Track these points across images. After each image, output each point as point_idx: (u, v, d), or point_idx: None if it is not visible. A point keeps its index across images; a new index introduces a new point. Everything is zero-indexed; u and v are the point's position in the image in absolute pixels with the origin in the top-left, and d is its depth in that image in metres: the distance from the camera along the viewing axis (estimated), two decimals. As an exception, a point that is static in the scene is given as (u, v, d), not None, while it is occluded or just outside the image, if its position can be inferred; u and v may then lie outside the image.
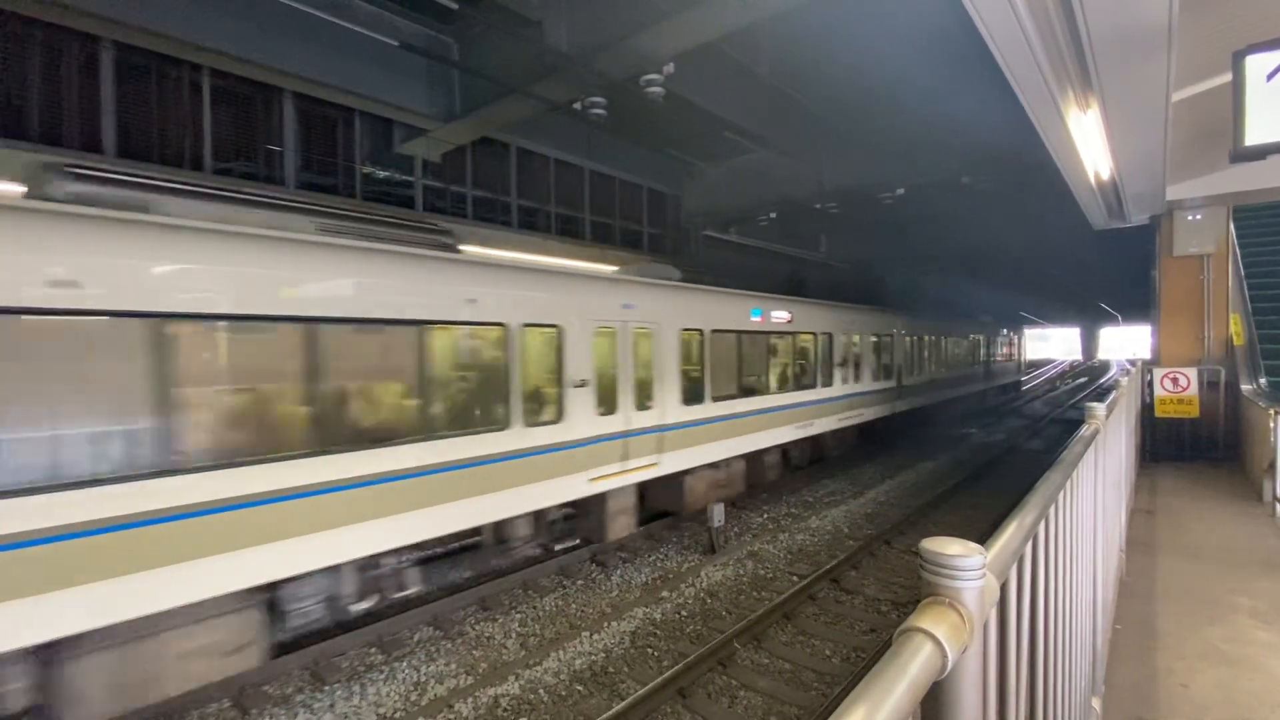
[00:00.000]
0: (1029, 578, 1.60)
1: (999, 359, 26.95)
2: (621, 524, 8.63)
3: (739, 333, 10.67)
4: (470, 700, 5.41)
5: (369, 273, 5.75)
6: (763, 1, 7.46)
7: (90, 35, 8.63)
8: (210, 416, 4.83)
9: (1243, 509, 7.33)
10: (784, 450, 12.48)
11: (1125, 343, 57.73)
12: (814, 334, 12.98)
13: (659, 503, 9.82)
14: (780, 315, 11.87)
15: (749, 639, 6.41)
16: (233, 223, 5.10)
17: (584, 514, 8.55)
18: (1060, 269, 27.02)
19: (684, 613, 7.09)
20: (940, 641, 0.94)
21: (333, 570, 5.67)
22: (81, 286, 4.19)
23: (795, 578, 8.02)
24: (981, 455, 16.09)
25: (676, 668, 5.64)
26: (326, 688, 5.66)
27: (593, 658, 6.13)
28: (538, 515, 7.69)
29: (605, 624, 6.77)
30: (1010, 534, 1.41)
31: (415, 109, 11.43)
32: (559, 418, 7.51)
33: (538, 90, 9.73)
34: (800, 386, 12.41)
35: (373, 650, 6.32)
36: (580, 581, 7.97)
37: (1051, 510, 1.84)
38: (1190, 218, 10.81)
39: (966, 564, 1.05)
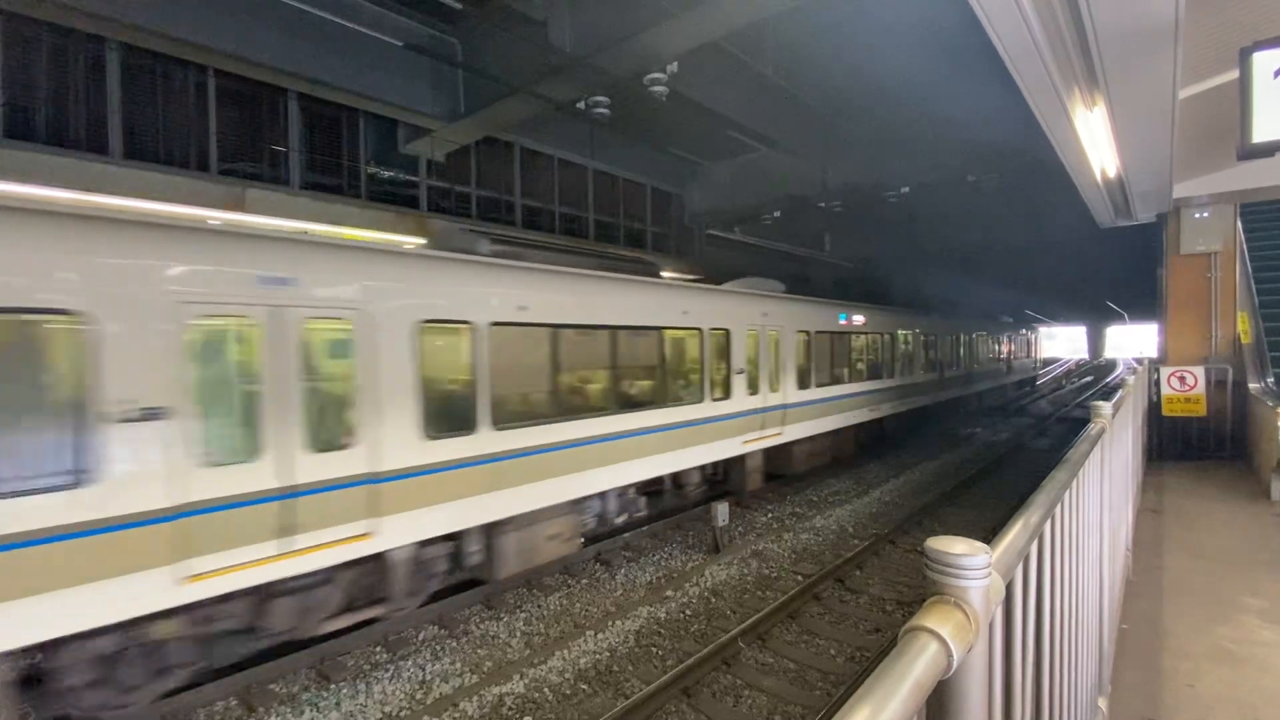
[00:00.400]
0: (1035, 577, 1.59)
1: (1020, 356, 31.06)
2: (754, 479, 11.30)
3: (832, 333, 13.27)
4: (475, 699, 5.42)
5: (634, 295, 8.55)
6: (766, 0, 7.44)
7: (96, 36, 8.68)
8: (572, 385, 7.68)
9: (1250, 508, 7.29)
10: (856, 429, 14.64)
11: (1131, 341, 57.44)
12: (880, 334, 15.46)
13: (773, 466, 12.00)
14: (858, 319, 14.44)
15: (754, 638, 6.41)
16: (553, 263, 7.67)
17: (730, 469, 10.95)
18: (1066, 267, 26.90)
19: (688, 612, 7.09)
20: (945, 640, 0.94)
21: (603, 494, 8.47)
22: (529, 309, 7.11)
23: (800, 577, 8.01)
24: (987, 454, 16.03)
25: (681, 667, 5.64)
26: (332, 686, 5.69)
27: (597, 657, 6.13)
28: (701, 469, 10.04)
29: (610, 623, 6.78)
30: (1016, 533, 1.41)
31: (420, 109, 11.46)
32: (727, 395, 10.04)
33: (542, 90, 9.74)
34: (871, 376, 15.00)
35: (378, 649, 6.35)
36: (585, 580, 7.98)
37: (1057, 509, 1.84)
38: (1197, 215, 10.74)
39: (971, 563, 1.05)
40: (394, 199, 12.21)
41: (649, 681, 5.57)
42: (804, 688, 5.62)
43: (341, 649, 6.19)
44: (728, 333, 10.08)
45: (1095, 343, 63.84)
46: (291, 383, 5.11)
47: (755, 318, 10.84)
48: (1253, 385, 9.97)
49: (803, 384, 12.10)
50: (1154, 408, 10.40)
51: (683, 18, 7.84)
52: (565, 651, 6.20)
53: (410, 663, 6.07)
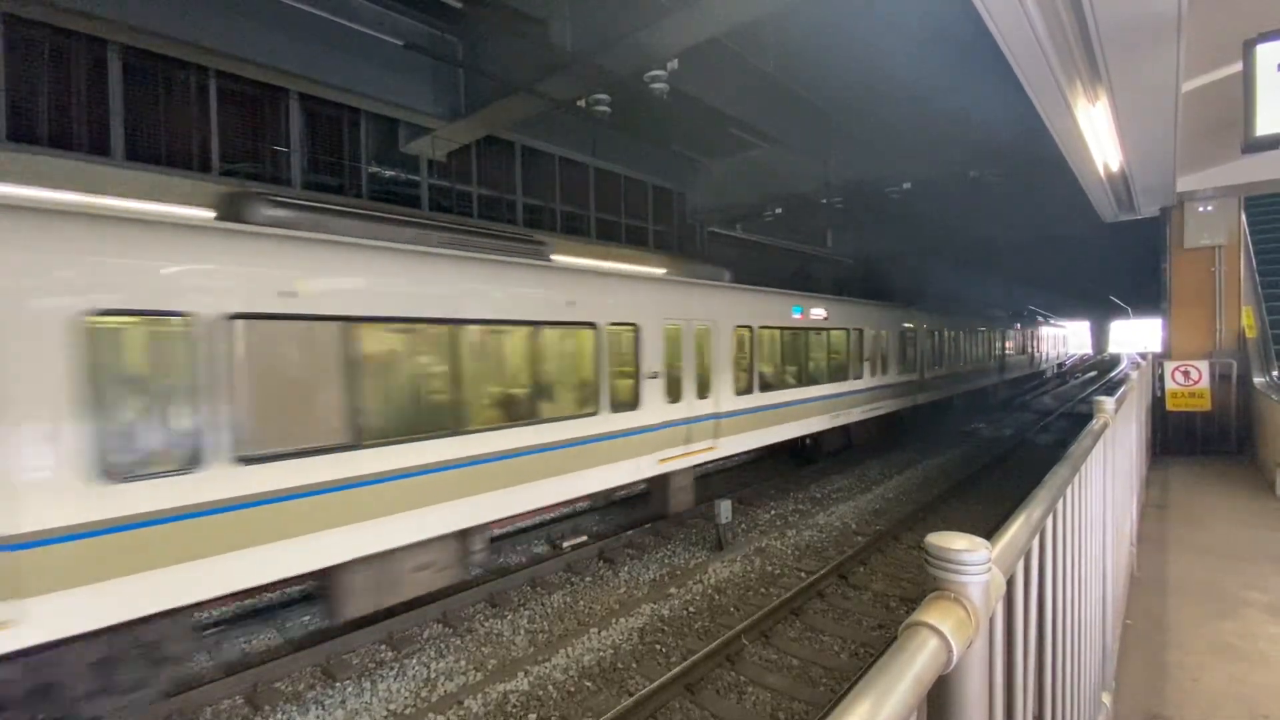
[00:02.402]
0: (1036, 572, 1.59)
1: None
2: (681, 499, 9.82)
3: (783, 329, 11.71)
4: (480, 696, 5.44)
5: (490, 280, 6.87)
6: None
7: (97, 38, 8.70)
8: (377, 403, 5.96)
9: (1255, 503, 7.27)
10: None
11: (1136, 336, 57.23)
12: (850, 330, 13.99)
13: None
14: (819, 312, 12.88)
15: (757, 635, 6.42)
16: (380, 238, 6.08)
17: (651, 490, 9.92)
18: (1069, 262, 26.86)
19: (692, 609, 7.10)
20: (945, 636, 0.94)
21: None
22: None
23: (803, 574, 8.01)
24: (992, 450, 16.01)
25: (685, 664, 5.65)
26: (338, 684, 5.71)
27: (601, 654, 6.15)
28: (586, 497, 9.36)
29: (613, 621, 6.79)
30: (1016, 529, 1.41)
31: (421, 108, 11.46)
32: (635, 405, 8.51)
33: (542, 88, 9.72)
34: (835, 379, 13.36)
35: (383, 647, 6.37)
36: (588, 578, 8.00)
37: (1059, 505, 1.84)
38: (1201, 209, 10.69)
39: (971, 558, 1.05)
40: (395, 198, 12.22)
41: (653, 678, 5.58)
42: (808, 684, 5.63)
43: (346, 647, 6.21)
44: (635, 329, 8.48)
45: (1099, 338, 63.72)
46: None
47: (675, 310, 9.18)
48: (1257, 379, 9.93)
49: (743, 389, 10.50)
50: (1158, 403, 10.37)
51: (682, 15, 7.81)
52: (569, 649, 6.21)
53: (415, 660, 6.09)
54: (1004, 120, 10.85)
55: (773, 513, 10.74)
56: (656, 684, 5.33)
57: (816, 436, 13.20)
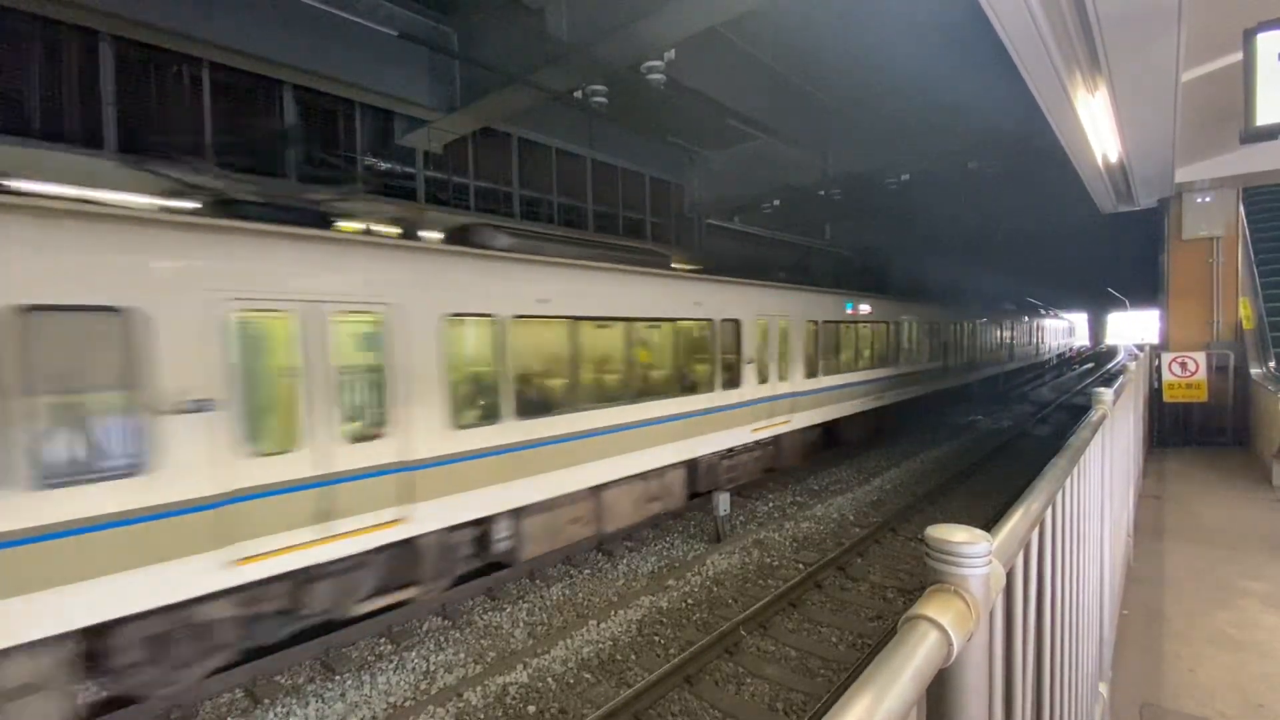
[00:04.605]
0: (1035, 564, 1.59)
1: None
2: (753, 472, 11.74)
3: (839, 322, 13.68)
4: (479, 689, 5.45)
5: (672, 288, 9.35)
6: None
7: (90, 30, 8.61)
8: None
9: (1251, 493, 7.29)
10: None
11: (1133, 328, 57.40)
12: (888, 322, 15.97)
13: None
14: (864, 308, 14.79)
15: (755, 626, 6.44)
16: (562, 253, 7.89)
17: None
18: (1067, 253, 26.87)
19: (690, 601, 7.12)
20: (946, 629, 0.93)
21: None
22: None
23: (801, 565, 8.03)
24: (989, 442, 16.04)
25: (683, 655, 5.67)
26: (337, 677, 5.72)
27: (600, 646, 6.17)
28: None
29: (612, 613, 6.81)
30: (1016, 521, 1.40)
31: (416, 100, 11.37)
32: (736, 384, 10.40)
33: (538, 79, 9.65)
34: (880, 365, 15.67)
35: (382, 640, 6.38)
36: (587, 571, 8.01)
37: (1059, 496, 1.83)
38: (1200, 200, 10.66)
39: (972, 551, 1.04)
40: (391, 191, 12.15)
41: (651, 670, 5.61)
42: (805, 675, 5.65)
43: (346, 640, 6.22)
44: (737, 323, 10.42)
45: (1096, 329, 63.85)
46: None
47: (766, 307, 11.07)
48: (1254, 371, 9.93)
49: (811, 373, 12.37)
50: (1155, 394, 10.38)
51: (679, 5, 7.75)
52: (568, 641, 6.23)
53: (414, 653, 6.10)
54: (1003, 111, 10.82)
55: (771, 505, 10.76)
56: (655, 675, 5.35)
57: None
